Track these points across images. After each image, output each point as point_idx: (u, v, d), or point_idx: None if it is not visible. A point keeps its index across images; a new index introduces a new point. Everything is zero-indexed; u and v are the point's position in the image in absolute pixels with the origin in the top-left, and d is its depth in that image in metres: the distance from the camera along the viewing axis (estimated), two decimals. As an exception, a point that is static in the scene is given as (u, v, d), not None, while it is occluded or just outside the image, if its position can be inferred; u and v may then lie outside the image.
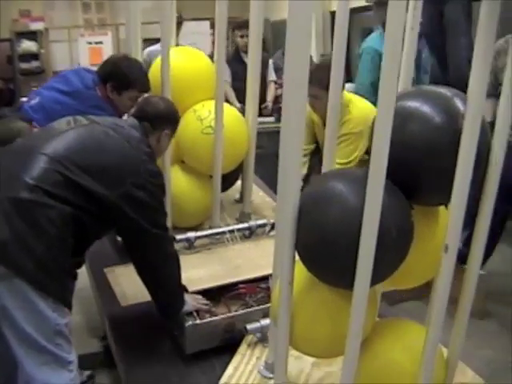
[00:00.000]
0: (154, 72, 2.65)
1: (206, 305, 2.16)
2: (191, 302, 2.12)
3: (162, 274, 2.03)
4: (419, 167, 1.48)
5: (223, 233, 2.73)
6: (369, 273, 1.41)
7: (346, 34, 1.71)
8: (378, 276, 1.46)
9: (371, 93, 3.40)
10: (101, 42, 7.59)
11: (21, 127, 2.36)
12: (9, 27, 8.41)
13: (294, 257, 1.52)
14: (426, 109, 1.48)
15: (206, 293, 2.23)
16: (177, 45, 3.04)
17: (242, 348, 2.11)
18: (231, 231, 2.74)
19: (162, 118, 2.17)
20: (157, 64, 2.65)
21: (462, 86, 4.52)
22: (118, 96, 2.56)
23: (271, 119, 4.94)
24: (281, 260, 1.52)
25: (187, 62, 2.77)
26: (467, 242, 3.19)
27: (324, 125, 1.90)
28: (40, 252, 1.73)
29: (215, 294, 2.26)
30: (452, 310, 2.22)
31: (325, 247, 1.43)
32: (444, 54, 4.20)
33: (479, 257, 1.60)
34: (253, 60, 2.73)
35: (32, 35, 8.40)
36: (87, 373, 2.44)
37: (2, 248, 1.71)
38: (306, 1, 1.31)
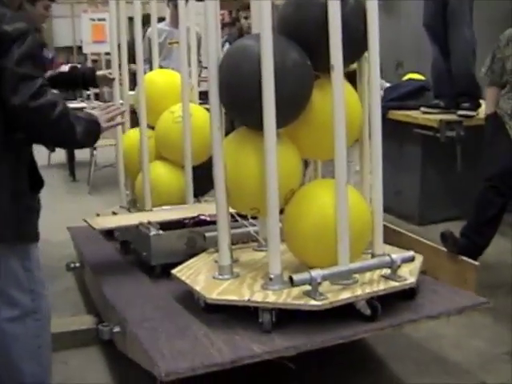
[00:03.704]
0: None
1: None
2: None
3: (74, 137, 1.87)
4: (313, 38, 2.04)
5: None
6: (273, 111, 1.89)
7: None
8: (282, 118, 1.96)
9: None
10: (104, 19, 7.30)
11: None
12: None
13: (219, 104, 1.98)
14: None
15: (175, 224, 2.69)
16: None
17: (203, 254, 2.48)
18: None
19: None
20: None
21: (466, 78, 4.61)
22: (33, 7, 2.66)
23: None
24: (210, 109, 1.96)
25: (162, 78, 3.40)
26: (465, 232, 3.32)
27: None
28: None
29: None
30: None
31: (240, 90, 1.96)
32: (446, 44, 4.15)
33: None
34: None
35: (34, 10, 8.44)
36: None
37: None
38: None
